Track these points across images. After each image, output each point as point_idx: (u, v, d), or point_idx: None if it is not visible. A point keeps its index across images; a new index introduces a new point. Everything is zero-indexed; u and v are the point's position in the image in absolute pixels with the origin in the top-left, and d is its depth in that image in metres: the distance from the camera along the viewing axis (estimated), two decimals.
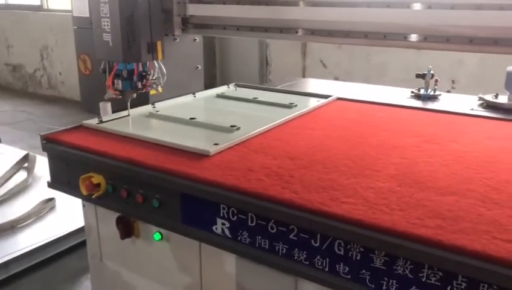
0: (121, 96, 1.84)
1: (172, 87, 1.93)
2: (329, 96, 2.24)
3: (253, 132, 1.65)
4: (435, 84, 2.32)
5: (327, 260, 1.12)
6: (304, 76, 5.05)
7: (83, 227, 2.46)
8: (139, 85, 1.83)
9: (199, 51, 2.23)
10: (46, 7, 7.85)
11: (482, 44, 1.57)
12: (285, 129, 1.75)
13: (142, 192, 1.42)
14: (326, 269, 1.13)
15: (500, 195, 1.19)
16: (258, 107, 2.09)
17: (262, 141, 1.61)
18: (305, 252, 1.15)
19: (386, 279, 1.05)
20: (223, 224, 1.28)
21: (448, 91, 4.08)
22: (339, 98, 2.26)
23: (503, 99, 2.14)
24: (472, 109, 2.10)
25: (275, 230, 1.18)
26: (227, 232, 1.28)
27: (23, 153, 3.42)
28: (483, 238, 0.98)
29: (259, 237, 1.21)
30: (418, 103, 2.25)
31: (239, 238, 1.26)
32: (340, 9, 1.72)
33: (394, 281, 1.04)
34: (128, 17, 1.70)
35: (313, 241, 1.13)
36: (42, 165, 3.19)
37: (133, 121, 1.84)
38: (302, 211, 1.12)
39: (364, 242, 1.06)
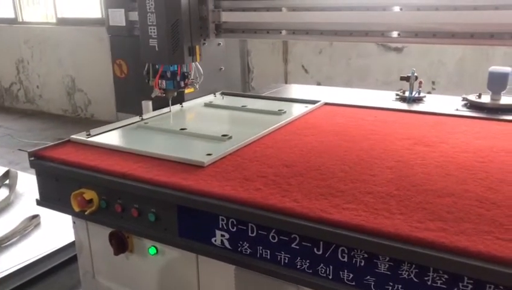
0: (164, 95, 2.03)
1: (201, 85, 2.15)
2: (317, 101, 2.25)
3: (245, 141, 1.64)
4: (419, 86, 2.35)
5: (331, 267, 1.12)
6: (286, 82, 5.07)
7: (70, 243, 2.41)
8: (182, 84, 2.03)
9: (222, 54, 2.47)
10: (20, 20, 7.71)
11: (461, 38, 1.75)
12: (277, 136, 1.75)
13: (137, 206, 1.39)
14: (330, 277, 1.12)
15: (496, 195, 1.21)
16: (248, 115, 2.09)
17: (256, 149, 1.61)
18: (308, 261, 1.14)
19: (391, 284, 1.05)
20: (223, 236, 1.26)
21: (429, 92, 4.15)
22: (326, 103, 2.27)
23: (486, 99, 2.18)
24: (457, 110, 2.14)
25: (276, 240, 1.17)
26: (226, 243, 1.26)
27: (3, 169, 3.33)
28: (485, 239, 0.99)
29: (261, 248, 1.20)
30: (404, 105, 2.28)
31: (239, 249, 1.24)
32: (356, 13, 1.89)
33: (399, 286, 1.04)
34: (173, 25, 1.91)
35: (315, 249, 1.12)
36: (24, 181, 3.10)
37: (123, 134, 1.81)
38: (304, 219, 1.11)
39: (368, 248, 1.05)
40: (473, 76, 4.20)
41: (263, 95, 2.55)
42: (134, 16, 2.28)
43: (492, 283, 0.94)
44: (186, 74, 2.03)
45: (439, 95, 2.64)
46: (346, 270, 1.10)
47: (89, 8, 6.83)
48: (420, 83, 2.34)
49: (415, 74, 2.33)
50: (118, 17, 2.20)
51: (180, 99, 2.18)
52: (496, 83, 2.16)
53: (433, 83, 4.39)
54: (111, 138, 1.74)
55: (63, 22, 7.14)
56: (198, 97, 2.30)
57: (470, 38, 1.72)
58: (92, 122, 6.63)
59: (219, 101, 2.36)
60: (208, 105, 2.27)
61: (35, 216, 2.71)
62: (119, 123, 1.90)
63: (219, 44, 2.44)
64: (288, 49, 5.10)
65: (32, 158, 1.59)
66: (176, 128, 1.80)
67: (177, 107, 2.20)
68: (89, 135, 1.74)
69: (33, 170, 1.64)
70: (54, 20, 7.26)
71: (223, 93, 2.47)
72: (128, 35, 2.22)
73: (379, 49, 4.64)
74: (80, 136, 1.72)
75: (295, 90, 2.99)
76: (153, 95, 2.06)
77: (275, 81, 4.79)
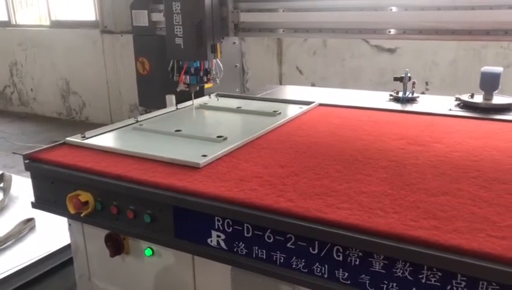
0: (188, 89, 2.22)
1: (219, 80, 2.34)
2: (311, 102, 2.26)
3: (240, 142, 1.65)
4: (413, 87, 2.37)
5: (326, 266, 1.13)
6: (281, 83, 5.08)
7: (65, 246, 2.40)
8: (204, 79, 2.19)
9: (238, 52, 2.69)
10: (14, 22, 7.68)
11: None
12: (271, 137, 1.76)
13: (132, 208, 1.40)
14: (326, 276, 1.13)
15: (488, 193, 1.22)
16: (243, 117, 2.10)
17: (251, 150, 1.61)
18: (303, 260, 1.15)
19: (386, 282, 1.06)
20: (218, 236, 1.27)
21: (423, 92, 4.18)
22: (320, 104, 2.28)
23: (478, 98, 2.20)
24: (450, 110, 2.16)
25: (272, 239, 1.18)
26: (222, 244, 1.27)
27: None
28: (478, 236, 1.00)
29: (256, 248, 1.21)
30: (398, 106, 2.30)
31: (235, 249, 1.25)
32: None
33: (394, 284, 1.05)
34: (197, 24, 2.08)
35: (311, 248, 1.13)
36: (19, 184, 3.09)
37: (118, 136, 1.81)
38: (300, 219, 1.12)
39: (363, 247, 1.06)
40: (466, 76, 4.24)
41: (258, 96, 2.56)
42: (156, 16, 2.46)
43: (485, 280, 0.95)
44: (208, 69, 2.20)
45: (433, 96, 2.66)
46: (341, 269, 1.11)
47: (83, 10, 6.82)
48: (414, 83, 2.36)
49: (409, 75, 2.35)
50: (142, 18, 2.38)
51: (200, 94, 2.38)
52: (488, 83, 2.18)
53: (427, 83, 4.42)
54: (106, 140, 1.74)
55: (56, 24, 7.13)
56: (217, 92, 2.49)
57: (469, 35, 1.90)
58: (86, 125, 6.62)
59: (214, 102, 2.37)
60: (203, 106, 2.27)
61: (30, 219, 2.70)
62: (114, 125, 1.91)
63: (234, 42, 2.60)
64: (283, 51, 5.12)
65: (27, 161, 1.59)
66: (171, 130, 1.81)
67: (172, 108, 2.21)
68: (84, 137, 1.74)
69: (28, 173, 1.64)
70: (47, 23, 7.25)
71: (217, 95, 2.47)
72: (150, 34, 2.44)
73: (372, 50, 4.67)
74: (75, 139, 1.72)
75: (290, 91, 3.00)
76: (178, 89, 2.23)
77: (269, 82, 4.81)
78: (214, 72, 2.23)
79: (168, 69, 2.24)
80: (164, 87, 2.37)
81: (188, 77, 2.19)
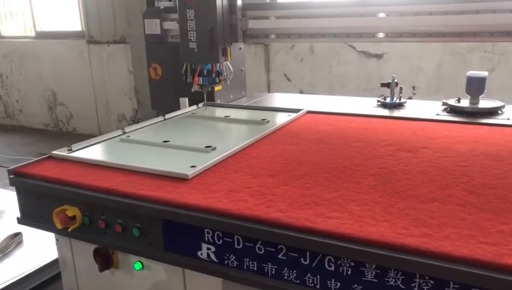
0: (201, 90, 2.43)
1: (227, 83, 2.56)
2: (300, 110, 2.26)
3: (229, 151, 1.64)
4: (400, 92, 2.38)
5: (318, 277, 1.12)
6: (269, 90, 5.09)
7: (54, 260, 2.37)
8: (217, 80, 2.41)
9: (243, 57, 2.86)
10: None
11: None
12: (260, 146, 1.75)
13: (121, 222, 1.37)
14: (318, 286, 1.12)
15: (478, 198, 1.22)
16: (231, 126, 2.09)
17: (240, 159, 1.60)
18: (295, 271, 1.14)
19: None
20: (209, 249, 1.25)
21: (410, 97, 4.21)
22: (309, 112, 2.28)
23: (465, 103, 2.22)
24: (437, 114, 2.17)
25: (262, 251, 1.17)
26: (213, 256, 1.25)
27: None
28: (469, 243, 1.00)
29: (247, 259, 1.20)
30: (385, 112, 2.31)
31: (226, 262, 1.23)
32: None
33: None
34: (210, 30, 2.31)
35: (302, 259, 1.12)
36: (5, 198, 3.04)
37: (105, 148, 1.79)
38: (290, 229, 1.11)
39: (354, 256, 1.06)
40: (452, 80, 4.28)
41: (246, 104, 2.55)
42: (167, 25, 2.63)
43: (477, 287, 0.95)
44: (219, 71, 2.42)
45: (420, 100, 2.68)
46: (333, 280, 1.10)
47: (68, 21, 6.77)
48: (401, 89, 2.37)
49: (396, 80, 2.36)
50: (154, 27, 2.55)
51: (211, 96, 2.55)
52: (474, 87, 2.20)
53: (414, 88, 4.45)
54: (93, 152, 1.72)
55: (42, 35, 7.07)
56: (227, 95, 2.69)
57: (458, 37, 2.11)
58: (74, 136, 6.55)
59: (202, 112, 2.36)
60: (191, 116, 2.26)
61: (17, 234, 2.65)
62: (100, 137, 1.88)
63: (240, 48, 2.78)
64: (270, 58, 5.13)
65: (12, 176, 1.56)
66: (158, 141, 1.79)
67: (159, 119, 2.19)
68: (70, 150, 1.71)
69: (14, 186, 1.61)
70: (32, 34, 7.18)
71: (205, 104, 2.46)
72: (162, 42, 2.63)
73: (359, 56, 4.70)
74: (61, 152, 1.69)
75: (278, 98, 3.00)
76: (192, 90, 2.43)
77: (257, 89, 4.81)
78: (225, 74, 2.45)
79: (182, 71, 2.45)
80: (176, 90, 2.55)
81: (201, 78, 2.39)
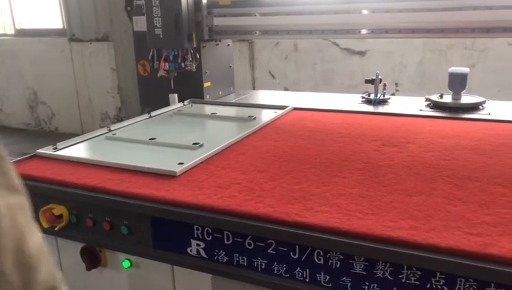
0: (167, 75, 2.48)
1: (216, 80, 2.67)
2: (286, 106, 2.27)
3: (217, 148, 1.64)
4: (384, 89, 2.41)
5: (307, 270, 1.13)
6: (254, 88, 5.09)
7: None
8: (182, 65, 2.45)
9: (231, 54, 2.90)
10: None
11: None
12: (248, 143, 1.75)
13: (108, 219, 1.37)
14: (307, 280, 1.13)
15: (462, 191, 1.25)
16: (218, 123, 2.09)
17: (228, 156, 1.61)
18: (284, 265, 1.15)
19: (367, 283, 1.07)
20: (198, 245, 1.25)
21: (393, 94, 4.26)
22: (295, 108, 2.30)
23: (447, 98, 2.26)
24: (421, 110, 2.21)
25: (252, 246, 1.18)
26: (202, 253, 1.25)
27: None
28: (455, 234, 1.03)
29: (237, 255, 1.20)
30: (370, 108, 2.33)
31: (215, 257, 1.24)
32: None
33: (375, 285, 1.06)
34: (174, 16, 2.35)
35: (291, 253, 1.13)
36: None
37: (91, 146, 1.77)
38: (280, 224, 1.12)
39: (343, 249, 1.07)
40: (434, 77, 4.34)
41: (232, 102, 2.55)
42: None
43: (463, 276, 0.97)
44: (186, 57, 2.45)
45: (403, 96, 2.71)
46: (322, 273, 1.11)
47: (49, 18, 6.66)
48: (384, 85, 2.40)
49: (380, 77, 2.39)
50: (142, 23, 2.54)
51: (200, 94, 2.56)
52: (456, 83, 2.24)
53: (396, 84, 4.50)
54: (79, 150, 1.70)
55: (21, 33, 6.94)
56: (216, 91, 2.70)
57: (441, 33, 2.17)
58: (57, 135, 6.46)
59: (188, 109, 2.35)
60: (177, 113, 2.25)
61: None
62: (86, 135, 1.87)
63: (228, 45, 2.81)
64: (255, 56, 5.13)
65: None
66: (144, 138, 1.78)
67: (144, 116, 2.18)
68: (55, 149, 1.70)
69: None
70: (12, 32, 7.05)
71: (191, 101, 2.46)
72: None
73: (343, 53, 4.73)
74: (47, 150, 1.67)
75: (263, 96, 3.01)
76: (158, 75, 2.48)
77: (242, 87, 4.80)
78: (190, 59, 2.46)
79: (149, 57, 2.50)
80: (165, 87, 2.56)
81: (167, 64, 2.44)
